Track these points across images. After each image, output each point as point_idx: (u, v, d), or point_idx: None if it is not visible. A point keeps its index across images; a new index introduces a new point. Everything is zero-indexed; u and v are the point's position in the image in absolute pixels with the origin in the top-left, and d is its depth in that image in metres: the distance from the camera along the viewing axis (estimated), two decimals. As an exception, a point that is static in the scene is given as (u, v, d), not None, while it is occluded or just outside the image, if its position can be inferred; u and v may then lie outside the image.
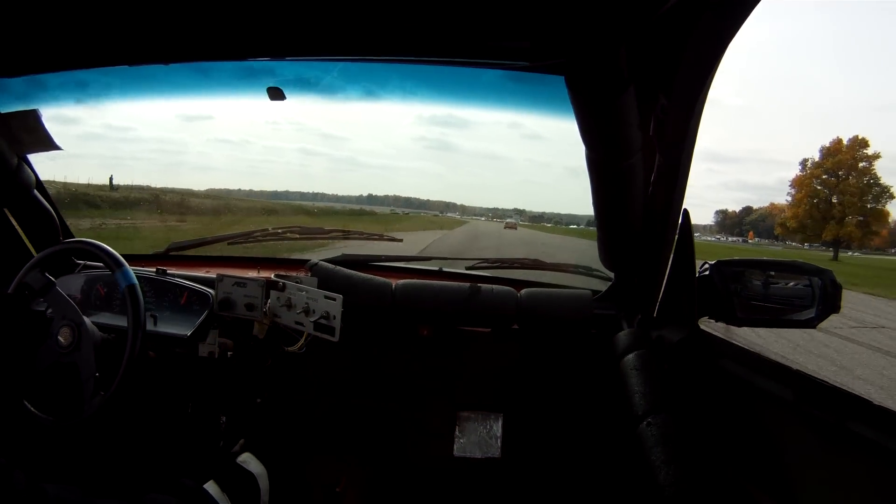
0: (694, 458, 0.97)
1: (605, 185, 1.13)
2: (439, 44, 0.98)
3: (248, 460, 1.07)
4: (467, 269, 1.61)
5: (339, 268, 1.37)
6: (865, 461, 0.72)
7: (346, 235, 1.76)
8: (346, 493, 1.42)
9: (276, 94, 1.20)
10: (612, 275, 1.41)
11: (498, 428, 1.48)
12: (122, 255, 1.09)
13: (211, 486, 0.92)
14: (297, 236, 1.73)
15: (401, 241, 1.78)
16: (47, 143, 1.24)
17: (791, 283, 1.13)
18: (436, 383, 1.46)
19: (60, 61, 1.08)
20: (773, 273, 1.14)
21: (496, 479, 1.48)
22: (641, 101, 0.96)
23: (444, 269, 1.62)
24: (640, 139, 1.02)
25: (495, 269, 1.60)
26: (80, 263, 1.40)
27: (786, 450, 0.88)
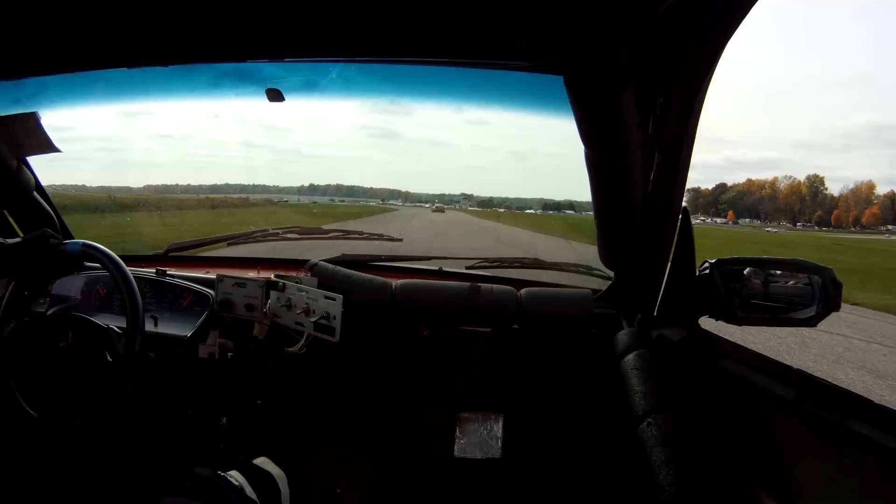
0: (695, 458, 0.97)
1: (605, 184, 1.12)
2: (438, 45, 0.98)
3: (266, 463, 1.06)
4: (467, 268, 1.61)
5: (338, 268, 1.37)
6: (866, 460, 0.72)
7: (346, 235, 1.77)
8: (347, 494, 1.42)
9: (275, 95, 1.19)
10: (611, 274, 1.41)
11: (498, 428, 1.47)
12: (122, 256, 1.09)
13: (234, 475, 0.91)
14: (297, 236, 1.73)
15: (400, 240, 1.78)
16: (47, 146, 1.24)
17: (791, 282, 1.13)
18: (436, 383, 1.46)
19: (57, 63, 1.08)
20: (773, 271, 1.14)
21: (497, 480, 1.48)
22: (640, 99, 0.96)
23: (444, 269, 1.61)
24: (640, 138, 1.02)
25: (495, 269, 1.60)
26: None
27: (787, 449, 0.88)
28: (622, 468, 1.28)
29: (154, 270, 1.30)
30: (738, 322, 1.11)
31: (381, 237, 1.83)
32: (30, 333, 1.07)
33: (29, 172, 1.31)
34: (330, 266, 1.37)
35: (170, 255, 1.61)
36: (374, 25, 0.93)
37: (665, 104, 0.97)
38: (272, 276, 1.21)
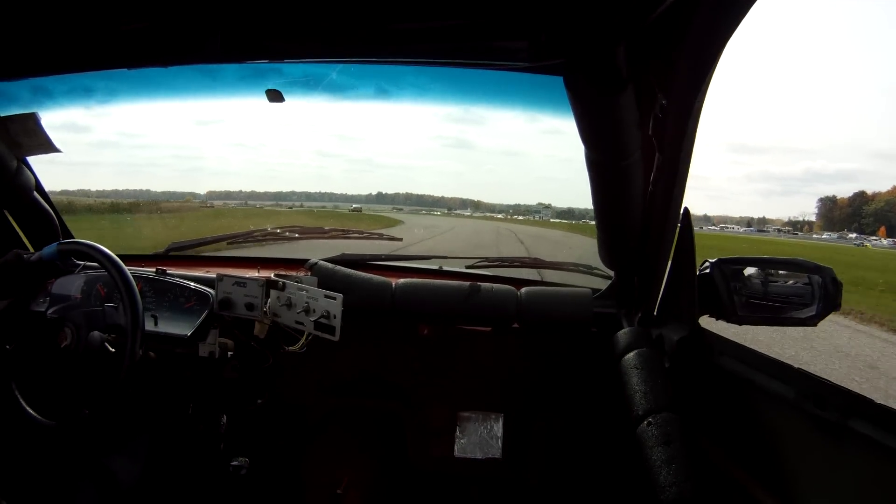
0: (695, 457, 0.97)
1: (605, 184, 1.13)
2: (438, 45, 0.98)
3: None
4: (467, 267, 1.61)
5: (338, 267, 1.37)
6: (867, 459, 0.72)
7: (346, 235, 1.77)
8: (347, 494, 1.42)
9: (275, 96, 1.19)
10: (612, 273, 1.41)
11: (498, 428, 1.48)
12: (122, 256, 1.09)
13: None
14: (297, 236, 1.73)
15: (400, 240, 1.78)
16: (46, 146, 1.25)
17: (791, 282, 1.13)
18: (436, 383, 1.46)
19: (57, 64, 1.08)
20: (773, 271, 1.14)
21: (497, 480, 1.48)
22: (640, 100, 0.96)
23: (444, 268, 1.62)
24: (640, 138, 1.02)
25: (495, 268, 1.60)
26: (79, 264, 1.40)
27: (787, 448, 0.88)
28: (623, 468, 1.28)
29: (154, 270, 1.30)
30: (739, 321, 1.11)
31: (380, 237, 1.83)
32: (28, 349, 1.07)
33: (29, 173, 1.31)
34: (330, 265, 1.37)
35: (170, 254, 1.61)
36: (374, 25, 0.93)
37: (665, 104, 0.97)
38: (272, 275, 1.21)
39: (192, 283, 1.27)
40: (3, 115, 1.20)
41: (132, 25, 0.95)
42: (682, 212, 1.10)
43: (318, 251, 1.58)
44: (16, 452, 1.15)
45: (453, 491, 1.48)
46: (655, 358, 1.14)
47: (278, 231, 1.72)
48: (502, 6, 0.86)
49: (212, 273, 1.29)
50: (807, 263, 1.11)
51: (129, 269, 1.07)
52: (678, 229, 1.12)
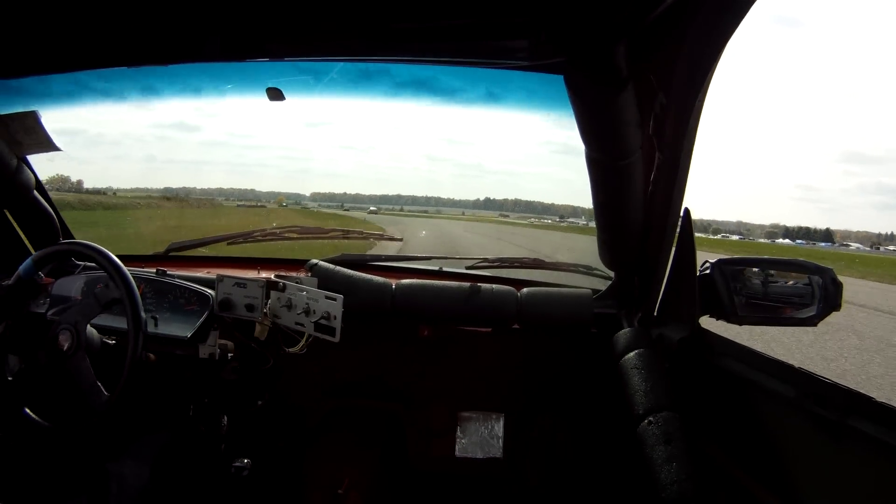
0: (696, 456, 0.97)
1: (605, 183, 1.13)
2: (438, 44, 0.98)
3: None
4: (467, 268, 1.61)
5: (338, 268, 1.37)
6: (867, 457, 0.72)
7: (346, 235, 1.76)
8: (348, 495, 1.41)
9: (275, 94, 1.19)
10: (612, 274, 1.41)
11: (499, 428, 1.47)
12: (121, 256, 1.09)
13: None
14: (296, 236, 1.72)
15: (400, 240, 1.78)
16: (47, 145, 1.24)
17: (791, 282, 1.13)
18: (437, 383, 1.46)
19: (57, 63, 1.08)
20: (773, 272, 1.15)
21: (498, 479, 1.48)
22: (640, 99, 0.96)
23: (444, 269, 1.61)
24: (640, 138, 1.02)
25: (495, 269, 1.60)
26: (79, 265, 1.40)
27: (788, 447, 0.88)
28: (624, 467, 1.28)
29: (154, 270, 1.30)
30: (739, 322, 1.12)
31: (380, 237, 1.83)
32: (29, 355, 1.06)
33: (29, 171, 1.30)
34: (330, 266, 1.37)
35: (170, 254, 1.61)
36: (374, 25, 0.93)
37: (665, 104, 0.97)
38: (272, 276, 1.21)
39: (193, 284, 1.26)
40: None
41: (132, 25, 0.94)
42: (682, 212, 1.10)
43: (318, 252, 1.58)
44: (19, 456, 1.14)
45: (454, 491, 1.48)
46: (656, 358, 1.14)
47: (277, 231, 1.71)
48: (502, 5, 0.86)
49: (212, 274, 1.29)
50: (807, 264, 1.11)
51: (129, 270, 1.07)
52: (678, 230, 1.12)
